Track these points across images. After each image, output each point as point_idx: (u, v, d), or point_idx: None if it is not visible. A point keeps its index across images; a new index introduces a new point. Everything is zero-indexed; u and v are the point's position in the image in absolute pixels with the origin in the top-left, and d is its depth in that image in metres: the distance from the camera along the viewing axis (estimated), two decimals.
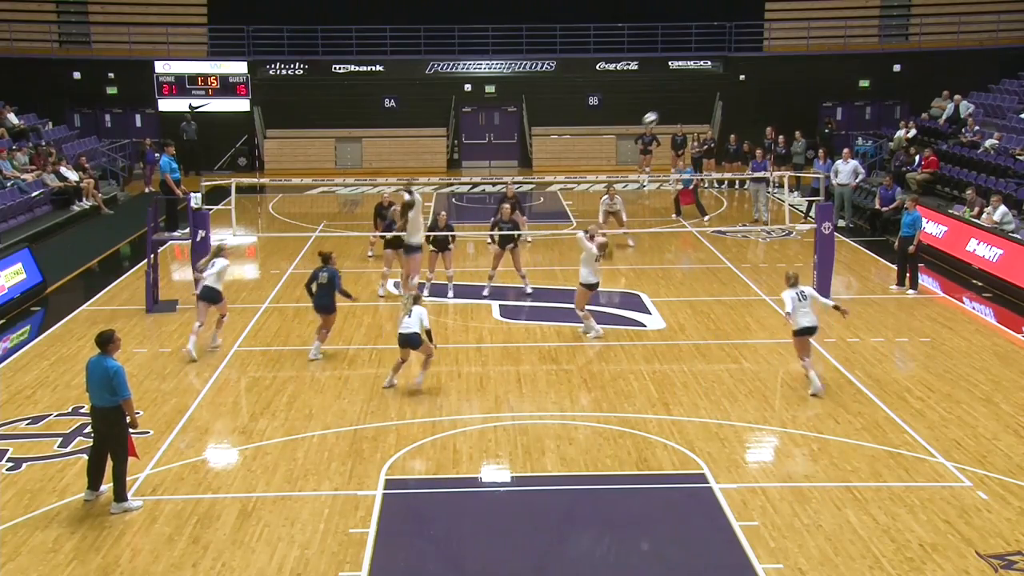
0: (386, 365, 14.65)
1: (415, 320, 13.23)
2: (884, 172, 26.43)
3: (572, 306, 16.65)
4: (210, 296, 15.20)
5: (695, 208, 25.81)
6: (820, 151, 27.03)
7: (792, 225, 23.05)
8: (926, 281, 19.26)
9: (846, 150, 25.57)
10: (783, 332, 15.98)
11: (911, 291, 18.48)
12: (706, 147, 31.66)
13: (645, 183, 31.39)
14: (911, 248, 18.35)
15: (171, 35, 36.51)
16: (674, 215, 26.22)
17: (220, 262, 15.38)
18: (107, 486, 10.50)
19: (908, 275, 18.65)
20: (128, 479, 10.39)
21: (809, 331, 13.32)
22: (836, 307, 13.83)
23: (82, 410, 12.18)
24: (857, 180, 24.78)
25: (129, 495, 10.31)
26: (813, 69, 36.03)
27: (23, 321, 17.47)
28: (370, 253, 21.67)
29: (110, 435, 10.23)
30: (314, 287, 14.77)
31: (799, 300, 13.22)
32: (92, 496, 10.44)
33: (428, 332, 13.48)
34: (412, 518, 10.29)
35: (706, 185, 31.21)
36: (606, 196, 22.28)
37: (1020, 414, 12.72)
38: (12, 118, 28.98)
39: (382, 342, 15.77)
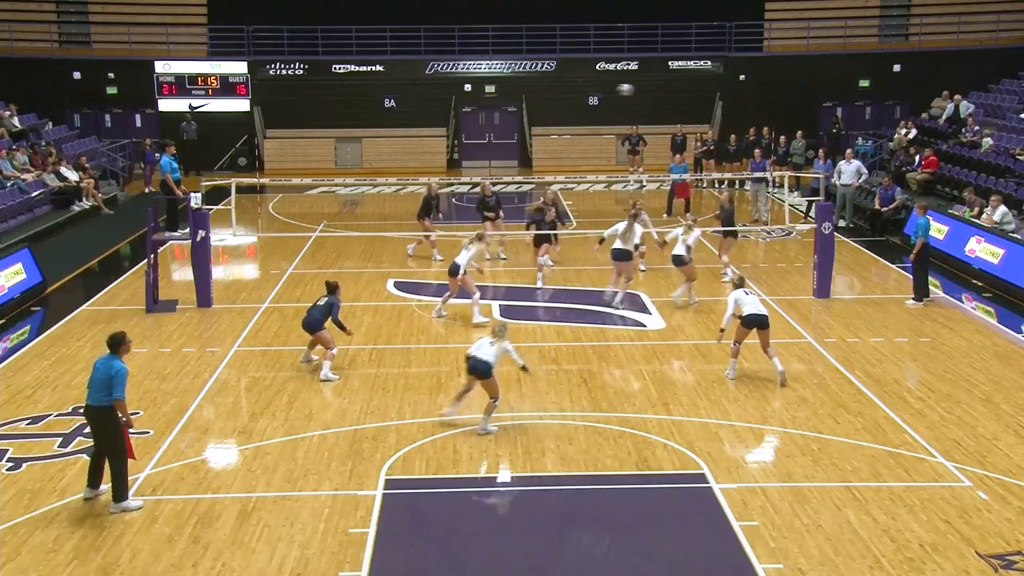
0: (386, 365, 14.65)
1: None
2: (884, 172, 26.43)
3: (571, 306, 16.67)
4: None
5: (689, 202, 25.84)
6: (820, 151, 27.03)
7: (792, 225, 23.05)
8: None
9: (849, 150, 25.58)
10: (783, 332, 16.00)
11: (910, 301, 17.70)
12: (707, 147, 31.69)
13: (644, 182, 31.39)
14: (911, 256, 17.76)
15: (171, 35, 36.49)
16: (665, 215, 26.10)
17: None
18: (107, 485, 10.51)
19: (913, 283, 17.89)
20: (128, 479, 10.39)
21: (758, 320, 13.78)
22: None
23: (81, 410, 12.16)
24: (860, 180, 24.80)
25: (129, 495, 10.31)
26: (813, 69, 36.02)
27: (23, 321, 17.47)
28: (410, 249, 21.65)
29: (105, 435, 10.25)
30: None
31: (746, 295, 14.02)
32: (91, 494, 10.46)
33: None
34: (412, 518, 10.29)
35: (705, 185, 31.26)
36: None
37: (1020, 414, 12.72)
38: (15, 120, 29.01)
39: (382, 342, 15.76)
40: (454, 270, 16.53)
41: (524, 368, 12.45)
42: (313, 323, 14.22)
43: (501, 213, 21.41)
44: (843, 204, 24.59)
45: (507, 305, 17.85)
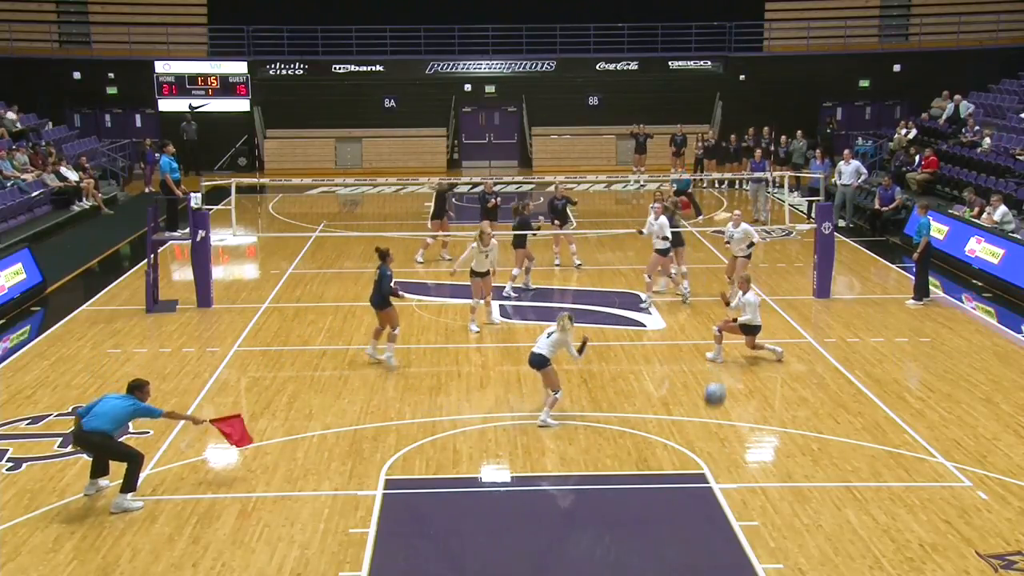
0: (387, 365, 14.63)
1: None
2: (884, 172, 26.42)
3: (571, 307, 16.64)
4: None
5: (692, 210, 25.88)
6: (818, 151, 27.04)
7: (792, 225, 23.05)
8: None
9: (847, 151, 25.57)
10: (783, 332, 16.01)
11: (910, 300, 17.65)
12: (708, 146, 31.68)
13: (643, 182, 31.41)
14: (914, 256, 17.59)
15: (171, 35, 36.50)
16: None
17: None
18: (107, 480, 10.57)
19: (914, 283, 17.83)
20: (139, 477, 10.47)
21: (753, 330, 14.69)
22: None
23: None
24: (859, 180, 24.78)
25: (130, 495, 10.29)
26: (813, 69, 36.02)
27: (23, 321, 17.47)
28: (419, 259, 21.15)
29: (110, 453, 10.41)
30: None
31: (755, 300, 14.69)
32: (93, 488, 10.48)
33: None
34: (412, 518, 10.29)
35: (704, 185, 31.25)
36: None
37: (1020, 414, 12.72)
38: (11, 116, 29.02)
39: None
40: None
41: (583, 347, 12.61)
42: (377, 302, 14.36)
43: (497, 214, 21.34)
44: (843, 204, 24.58)
45: (507, 305, 17.83)
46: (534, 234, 19.32)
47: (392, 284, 14.28)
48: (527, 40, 36.60)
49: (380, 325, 14.64)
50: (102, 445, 10.29)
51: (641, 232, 18.51)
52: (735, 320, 14.62)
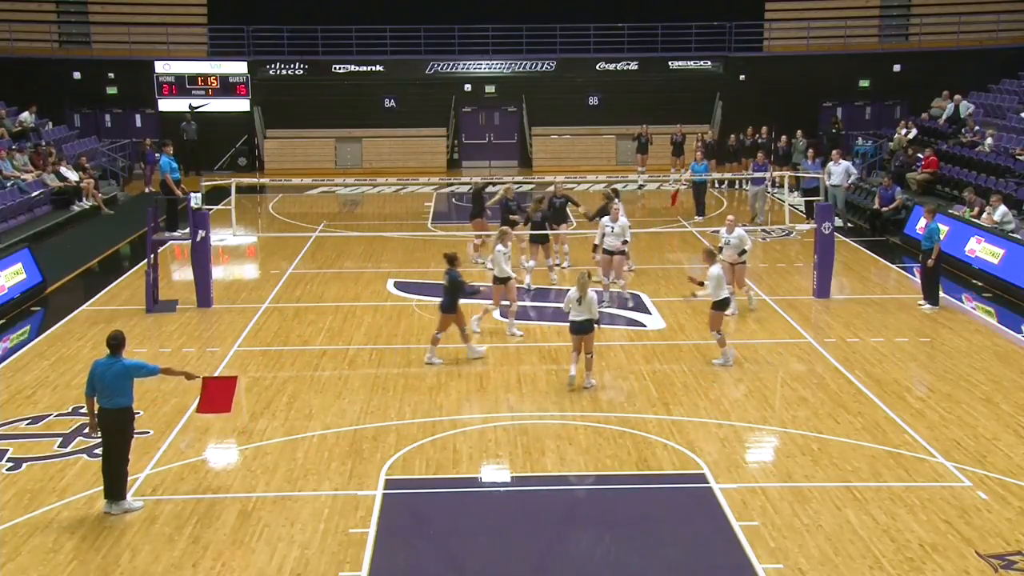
0: (386, 365, 14.65)
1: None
2: (884, 172, 26.41)
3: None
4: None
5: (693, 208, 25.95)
6: (809, 151, 27.03)
7: (792, 225, 23.05)
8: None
9: (835, 152, 25.52)
10: (783, 332, 16.01)
11: (927, 306, 17.41)
12: (708, 145, 31.64)
13: (643, 182, 31.40)
14: (929, 262, 17.33)
15: (171, 35, 36.50)
16: (697, 216, 26.10)
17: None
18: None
19: (924, 288, 17.69)
20: (128, 479, 10.38)
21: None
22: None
23: (82, 410, 12.17)
24: (850, 181, 24.76)
25: (129, 495, 10.30)
26: (813, 69, 36.01)
27: (23, 321, 17.47)
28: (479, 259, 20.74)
29: (117, 437, 10.24)
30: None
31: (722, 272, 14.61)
32: (113, 508, 10.27)
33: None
34: (412, 518, 10.29)
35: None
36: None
37: (1020, 414, 12.72)
38: (26, 116, 29.13)
39: (382, 342, 15.76)
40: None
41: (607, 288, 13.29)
42: (446, 304, 14.51)
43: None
44: (834, 204, 24.55)
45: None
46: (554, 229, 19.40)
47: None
48: (527, 40, 36.59)
49: (441, 328, 14.64)
50: (119, 429, 10.11)
51: (607, 250, 17.68)
52: (714, 307, 14.38)
